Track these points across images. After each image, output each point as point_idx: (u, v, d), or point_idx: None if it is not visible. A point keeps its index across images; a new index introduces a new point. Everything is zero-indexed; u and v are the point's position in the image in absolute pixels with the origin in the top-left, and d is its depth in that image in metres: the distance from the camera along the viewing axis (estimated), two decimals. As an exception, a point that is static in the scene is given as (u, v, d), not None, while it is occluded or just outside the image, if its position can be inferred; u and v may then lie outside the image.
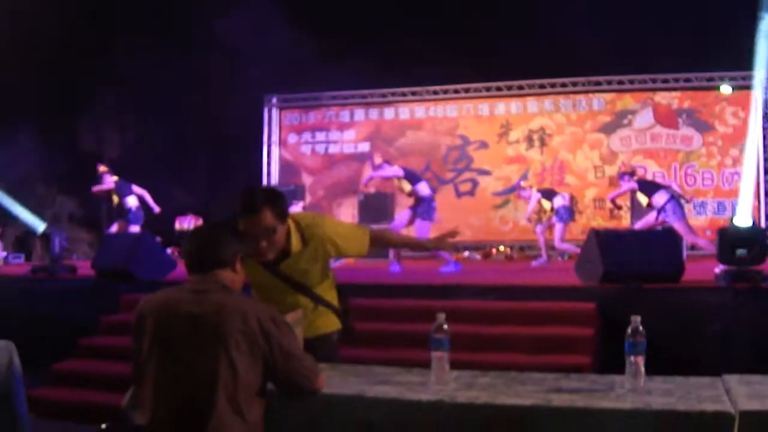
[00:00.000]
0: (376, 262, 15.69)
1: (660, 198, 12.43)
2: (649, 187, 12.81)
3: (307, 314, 4.37)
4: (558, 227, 14.19)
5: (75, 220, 16.64)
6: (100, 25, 16.33)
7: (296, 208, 15.45)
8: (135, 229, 14.06)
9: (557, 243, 14.36)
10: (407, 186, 12.62)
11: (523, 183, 15.37)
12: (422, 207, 12.46)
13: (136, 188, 14.22)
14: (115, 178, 14.20)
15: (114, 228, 14.18)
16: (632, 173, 13.50)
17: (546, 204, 14.37)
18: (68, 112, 16.97)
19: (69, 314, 9.45)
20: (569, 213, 14.56)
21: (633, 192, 13.23)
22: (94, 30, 16.35)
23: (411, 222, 12.53)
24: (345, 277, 11.61)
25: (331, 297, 4.63)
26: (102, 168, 14.28)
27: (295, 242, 4.32)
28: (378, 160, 13.37)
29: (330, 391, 3.61)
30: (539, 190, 14.82)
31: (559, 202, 14.23)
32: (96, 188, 14.33)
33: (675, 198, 12.52)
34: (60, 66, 16.30)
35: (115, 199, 14.13)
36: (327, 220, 4.62)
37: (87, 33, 16.32)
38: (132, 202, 14.08)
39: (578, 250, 11.34)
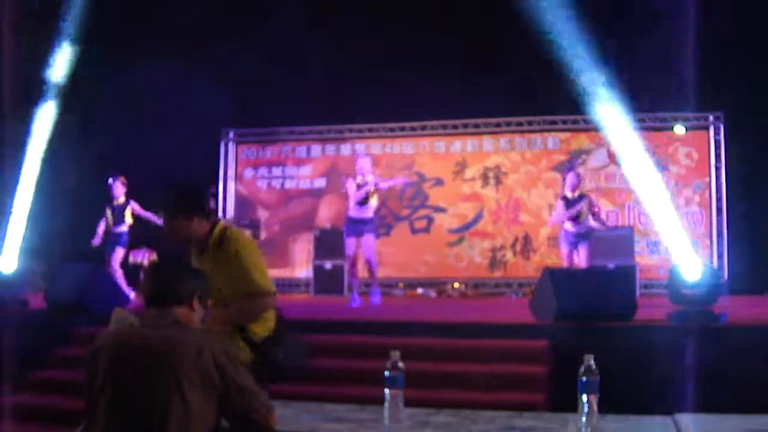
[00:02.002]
0: (330, 298, 15.65)
1: None
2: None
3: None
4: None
5: (28, 252, 16.42)
6: (51, 49, 16.21)
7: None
8: (121, 252, 13.95)
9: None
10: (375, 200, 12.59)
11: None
12: (372, 225, 12.48)
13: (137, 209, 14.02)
14: (122, 198, 14.01)
15: (117, 256, 13.91)
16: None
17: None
18: (24, 142, 16.81)
19: (20, 347, 9.33)
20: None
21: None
22: (51, 58, 16.24)
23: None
24: (298, 312, 11.58)
25: (256, 323, 4.97)
26: (122, 179, 14.06)
27: (213, 240, 4.99)
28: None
29: (283, 429, 3.60)
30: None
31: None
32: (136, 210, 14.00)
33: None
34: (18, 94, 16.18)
35: (111, 220, 13.93)
36: (251, 242, 5.15)
37: (45, 62, 16.21)
38: (125, 227, 13.95)
39: None
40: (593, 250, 13.28)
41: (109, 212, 13.91)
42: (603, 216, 14.16)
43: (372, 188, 12.36)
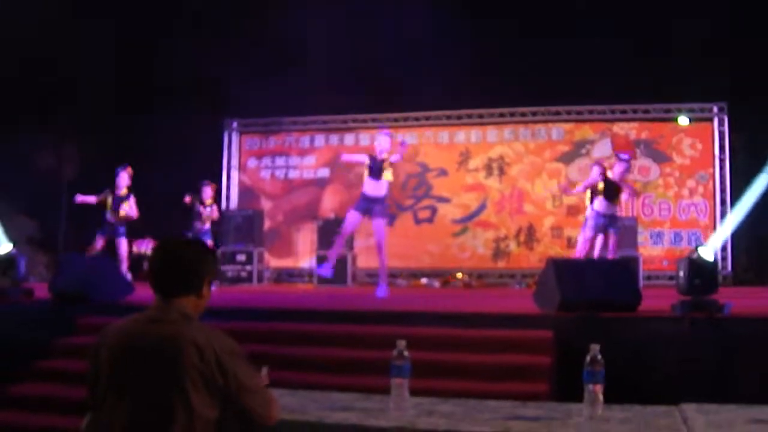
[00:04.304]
0: (334, 288, 15.66)
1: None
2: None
3: None
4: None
5: (33, 242, 16.46)
6: (59, 45, 16.24)
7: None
8: (125, 243, 13.93)
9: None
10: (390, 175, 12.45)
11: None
12: (383, 205, 12.40)
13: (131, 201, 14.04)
14: (125, 190, 14.02)
15: (100, 243, 13.91)
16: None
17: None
18: (26, 130, 16.83)
19: (25, 337, 9.34)
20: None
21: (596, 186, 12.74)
22: (53, 51, 16.26)
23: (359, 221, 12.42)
24: (301, 302, 11.60)
25: None
26: (129, 170, 14.05)
27: None
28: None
29: (290, 418, 3.60)
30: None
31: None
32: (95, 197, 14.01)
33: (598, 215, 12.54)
34: (18, 82, 16.18)
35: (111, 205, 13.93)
36: None
37: (46, 55, 16.24)
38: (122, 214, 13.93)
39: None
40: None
41: (109, 199, 13.89)
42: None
43: (384, 164, 12.25)
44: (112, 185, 13.99)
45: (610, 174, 12.65)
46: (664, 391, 6.07)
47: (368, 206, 12.25)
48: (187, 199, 14.93)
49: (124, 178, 13.94)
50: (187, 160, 17.47)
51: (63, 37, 16.20)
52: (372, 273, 13.04)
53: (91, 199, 14.02)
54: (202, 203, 15.16)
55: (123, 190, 13.93)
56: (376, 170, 12.28)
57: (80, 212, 15.50)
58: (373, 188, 12.30)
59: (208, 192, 15.35)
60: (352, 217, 12.38)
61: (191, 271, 3.54)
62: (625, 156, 13.12)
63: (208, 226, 15.39)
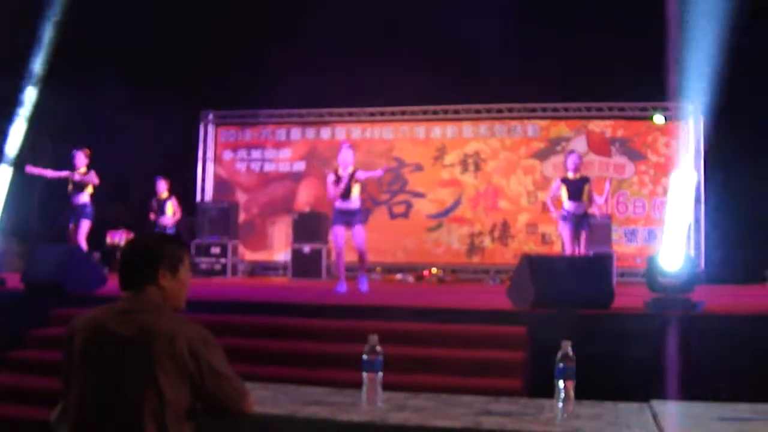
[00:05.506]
0: (308, 282, 15.67)
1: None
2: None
3: None
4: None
5: (5, 231, 16.33)
6: (32, 34, 16.13)
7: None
8: (87, 224, 13.78)
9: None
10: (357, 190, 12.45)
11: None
12: (360, 214, 12.39)
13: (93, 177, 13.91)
14: (83, 169, 13.90)
15: (83, 229, 13.78)
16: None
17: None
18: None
19: (-4, 327, 9.30)
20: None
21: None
22: (30, 39, 16.14)
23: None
24: (275, 295, 11.58)
25: None
26: (86, 152, 13.93)
27: None
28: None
29: (262, 411, 3.59)
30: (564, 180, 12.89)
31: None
32: (79, 177, 13.89)
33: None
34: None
35: (73, 189, 13.82)
36: None
37: (22, 41, 16.12)
38: (86, 198, 13.80)
39: None
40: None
41: (70, 180, 13.80)
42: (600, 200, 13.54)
43: (351, 181, 12.23)
44: (70, 168, 13.87)
45: (570, 175, 12.66)
46: (636, 387, 6.10)
47: (348, 219, 12.22)
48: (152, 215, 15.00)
49: (80, 158, 13.81)
50: (162, 151, 17.41)
51: (39, 25, 16.08)
52: (349, 267, 12.98)
53: (47, 172, 13.87)
54: (158, 198, 15.13)
55: (82, 170, 13.81)
56: (345, 190, 12.24)
57: (54, 201, 15.40)
58: (345, 204, 12.26)
59: (162, 186, 15.30)
60: (338, 232, 12.28)
61: (141, 263, 3.55)
62: (568, 151, 13.28)
63: (173, 221, 15.33)
